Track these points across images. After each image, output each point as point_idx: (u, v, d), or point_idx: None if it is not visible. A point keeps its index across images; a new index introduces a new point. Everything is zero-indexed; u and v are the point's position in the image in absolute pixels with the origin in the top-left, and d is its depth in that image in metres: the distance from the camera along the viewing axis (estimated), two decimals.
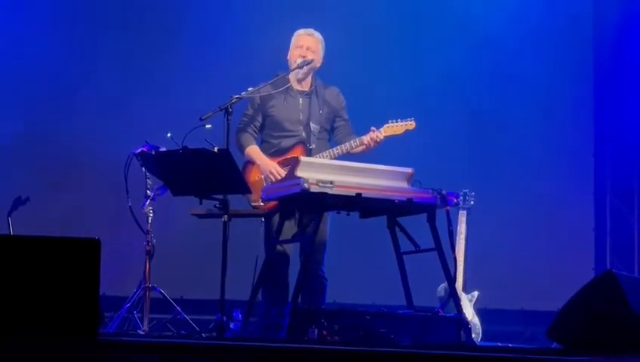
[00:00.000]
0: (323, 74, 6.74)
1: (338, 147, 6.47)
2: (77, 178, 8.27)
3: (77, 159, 8.27)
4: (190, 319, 6.87)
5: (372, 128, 6.44)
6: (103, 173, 7.99)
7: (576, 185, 8.87)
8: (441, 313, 6.18)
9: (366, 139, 6.43)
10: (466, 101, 8.75)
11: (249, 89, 6.37)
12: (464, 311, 6.44)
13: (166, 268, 7.12)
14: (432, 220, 6.04)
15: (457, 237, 7.44)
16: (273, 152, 6.51)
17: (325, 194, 5.71)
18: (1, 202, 7.37)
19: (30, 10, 8.42)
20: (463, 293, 7.38)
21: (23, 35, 8.34)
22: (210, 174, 5.86)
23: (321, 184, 5.70)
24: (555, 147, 8.86)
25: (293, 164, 5.94)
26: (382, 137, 6.43)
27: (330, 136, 6.68)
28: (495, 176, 8.60)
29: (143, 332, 6.44)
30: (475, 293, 7.51)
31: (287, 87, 6.56)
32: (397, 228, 6.16)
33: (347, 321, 5.74)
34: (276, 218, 6.28)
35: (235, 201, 6.15)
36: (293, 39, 6.68)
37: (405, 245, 6.19)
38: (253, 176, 6.45)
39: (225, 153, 5.79)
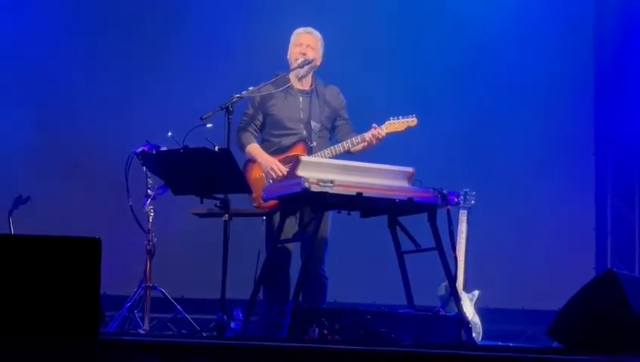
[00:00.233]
0: (323, 73, 6.74)
1: (339, 144, 6.46)
2: (77, 177, 8.26)
3: (77, 158, 8.27)
4: (191, 318, 6.85)
5: (374, 125, 6.42)
6: (104, 172, 7.99)
7: (577, 184, 8.87)
8: (442, 312, 6.17)
9: (367, 135, 6.41)
10: (467, 101, 8.75)
11: (249, 88, 6.37)
12: (465, 310, 6.44)
13: (167, 268, 7.11)
14: (432, 219, 6.02)
15: (458, 237, 7.44)
16: (274, 151, 6.50)
17: (326, 193, 5.70)
18: (1, 201, 7.37)
19: (30, 10, 8.42)
20: (464, 292, 7.38)
21: (23, 35, 8.33)
22: (210, 173, 5.86)
23: (321, 183, 5.69)
24: (556, 146, 8.86)
25: (294, 163, 5.94)
26: (383, 134, 6.42)
27: (331, 135, 6.68)
28: (496, 176, 8.59)
29: (143, 332, 6.43)
30: (476, 292, 7.51)
31: (287, 86, 6.56)
32: (398, 228, 6.15)
33: (348, 320, 5.74)
34: (277, 217, 6.27)
35: (236, 201, 6.15)
36: (293, 37, 6.68)
37: (406, 244, 6.19)
38: (254, 174, 6.44)
39: (226, 152, 5.79)
